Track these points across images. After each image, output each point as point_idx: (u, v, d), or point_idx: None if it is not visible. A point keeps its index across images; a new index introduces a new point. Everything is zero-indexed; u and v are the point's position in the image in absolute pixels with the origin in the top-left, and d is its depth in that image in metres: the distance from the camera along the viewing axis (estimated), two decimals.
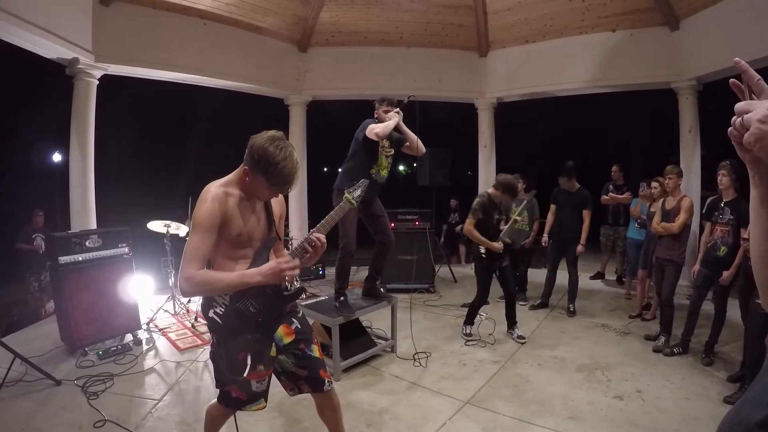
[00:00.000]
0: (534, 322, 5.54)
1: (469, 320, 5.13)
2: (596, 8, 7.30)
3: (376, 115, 4.35)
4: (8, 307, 7.81)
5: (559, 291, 6.29)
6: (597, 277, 7.82)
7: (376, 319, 5.01)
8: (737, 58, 0.88)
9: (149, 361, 4.39)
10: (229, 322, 2.21)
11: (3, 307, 7.88)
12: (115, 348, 4.50)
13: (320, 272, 7.94)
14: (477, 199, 4.99)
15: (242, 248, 2.22)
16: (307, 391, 2.46)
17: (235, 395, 2.28)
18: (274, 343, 2.33)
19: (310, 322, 4.42)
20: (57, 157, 13.30)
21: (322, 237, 2.27)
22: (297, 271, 2.15)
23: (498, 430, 3.26)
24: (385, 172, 4.35)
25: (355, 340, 4.39)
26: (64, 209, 6.62)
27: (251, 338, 2.23)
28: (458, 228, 9.95)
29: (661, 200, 5.02)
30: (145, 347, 4.71)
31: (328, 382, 2.44)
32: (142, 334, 4.92)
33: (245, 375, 2.21)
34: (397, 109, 4.23)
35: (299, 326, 2.43)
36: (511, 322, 5.11)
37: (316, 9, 7.74)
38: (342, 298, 4.29)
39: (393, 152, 4.39)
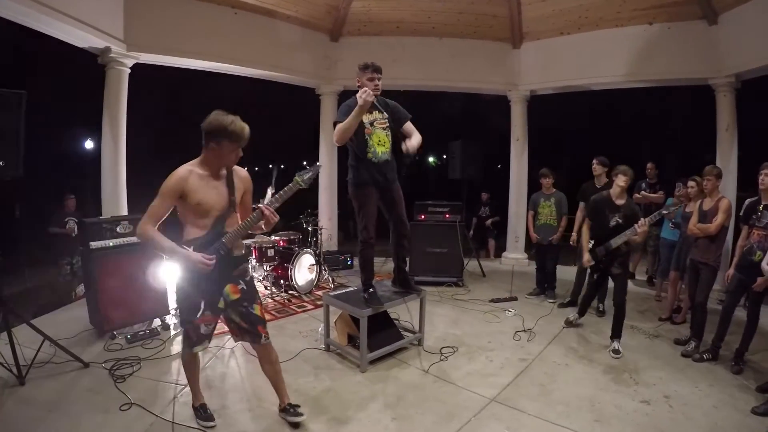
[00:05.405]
0: (562, 320, 5.38)
1: (581, 311, 5.24)
2: (633, 0, 7.03)
3: (358, 84, 3.96)
4: (39, 289, 7.95)
5: None
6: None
7: (404, 312, 4.93)
8: None
9: (176, 347, 4.39)
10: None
11: (34, 290, 8.02)
12: (143, 332, 4.54)
13: (348, 263, 7.91)
14: (591, 199, 4.94)
15: (204, 217, 2.76)
16: (249, 340, 3.01)
17: (192, 335, 2.88)
18: (222, 298, 2.87)
19: (338, 312, 4.42)
20: (89, 144, 13.56)
21: (267, 210, 2.77)
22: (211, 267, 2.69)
23: (523, 430, 3.18)
24: (383, 149, 3.97)
25: (383, 332, 4.31)
26: (96, 195, 6.70)
27: (206, 288, 2.80)
28: (488, 222, 9.80)
29: (699, 201, 4.82)
30: (172, 332, 4.73)
31: (265, 337, 2.98)
32: (170, 320, 4.94)
33: (198, 317, 2.82)
34: (369, 91, 3.72)
35: (245, 288, 2.95)
36: (614, 334, 4.62)
37: None
38: (371, 289, 4.20)
39: (387, 121, 4.02)
